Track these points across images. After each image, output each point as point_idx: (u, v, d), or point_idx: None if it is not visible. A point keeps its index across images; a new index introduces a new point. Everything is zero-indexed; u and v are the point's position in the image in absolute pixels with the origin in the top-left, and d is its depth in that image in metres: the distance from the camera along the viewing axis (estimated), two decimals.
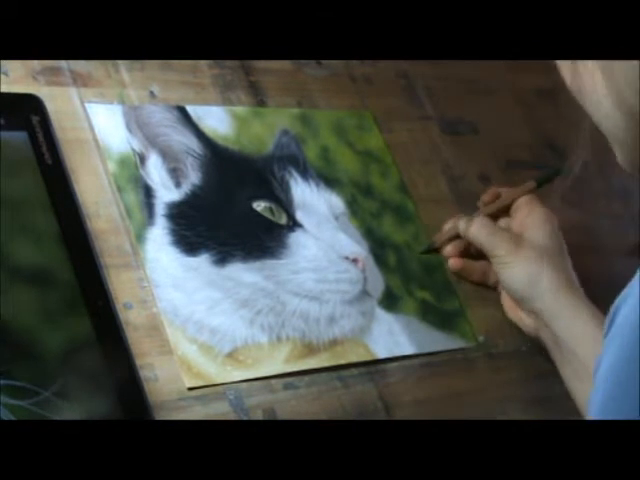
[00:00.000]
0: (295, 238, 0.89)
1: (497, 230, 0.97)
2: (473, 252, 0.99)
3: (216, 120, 0.93)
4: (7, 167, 0.78)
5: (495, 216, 0.99)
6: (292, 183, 0.93)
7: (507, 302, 0.98)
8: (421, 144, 1.06)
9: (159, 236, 0.84)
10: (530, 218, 0.97)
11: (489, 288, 0.99)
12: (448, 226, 1.00)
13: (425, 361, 0.92)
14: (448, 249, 0.99)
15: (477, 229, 0.96)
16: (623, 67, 0.65)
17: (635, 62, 0.64)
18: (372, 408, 0.86)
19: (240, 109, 0.96)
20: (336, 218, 0.94)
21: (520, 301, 0.95)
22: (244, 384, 0.81)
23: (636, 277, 0.63)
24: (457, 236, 0.99)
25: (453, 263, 0.98)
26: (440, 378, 0.92)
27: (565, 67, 0.70)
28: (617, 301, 0.64)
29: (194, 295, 0.83)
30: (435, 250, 0.99)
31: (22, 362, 0.71)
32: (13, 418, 0.68)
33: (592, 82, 0.67)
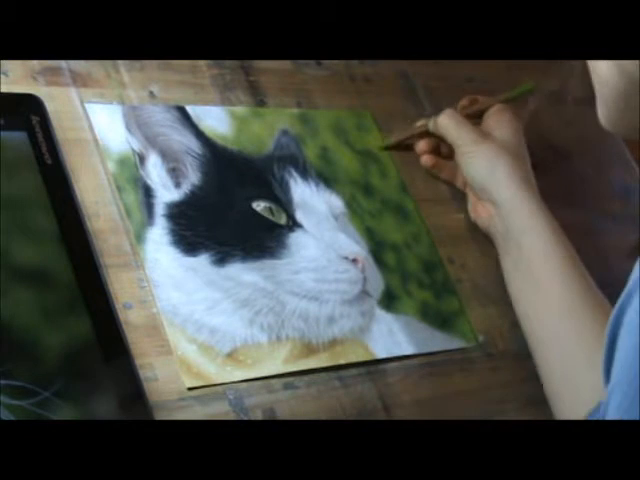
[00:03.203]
0: (295, 238, 0.89)
1: (463, 121, 1.00)
2: (443, 152, 1.03)
3: (216, 120, 0.93)
4: (7, 167, 0.78)
5: (468, 117, 1.02)
6: (292, 183, 0.93)
7: (471, 202, 1.01)
8: None
9: (159, 236, 0.84)
10: (499, 121, 1.01)
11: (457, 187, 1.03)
12: (418, 124, 1.03)
13: (425, 361, 0.92)
14: (420, 145, 1.03)
15: (444, 119, 1.00)
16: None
17: None
18: (371, 408, 0.86)
19: (240, 109, 0.96)
20: (336, 218, 0.94)
21: (479, 191, 0.99)
22: (244, 384, 0.81)
23: (636, 273, 0.63)
24: (426, 134, 1.02)
25: (426, 159, 1.02)
26: (440, 378, 0.92)
27: None
28: (620, 302, 0.64)
29: (194, 295, 0.83)
30: (400, 146, 1.03)
31: (22, 362, 0.71)
32: (13, 418, 0.68)
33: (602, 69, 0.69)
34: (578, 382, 0.87)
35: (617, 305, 0.64)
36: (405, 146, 1.03)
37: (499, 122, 1.01)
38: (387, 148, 1.02)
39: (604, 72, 0.68)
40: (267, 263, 0.87)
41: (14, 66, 0.84)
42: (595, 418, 0.73)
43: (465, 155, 0.99)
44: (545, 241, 0.94)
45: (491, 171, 0.97)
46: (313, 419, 0.82)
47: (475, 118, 1.03)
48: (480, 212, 1.00)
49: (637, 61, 0.66)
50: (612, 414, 0.61)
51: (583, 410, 0.79)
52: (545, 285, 0.93)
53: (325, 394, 0.85)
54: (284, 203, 0.91)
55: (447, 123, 1.00)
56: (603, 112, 0.71)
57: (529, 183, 0.98)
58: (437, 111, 1.06)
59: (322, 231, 0.91)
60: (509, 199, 0.96)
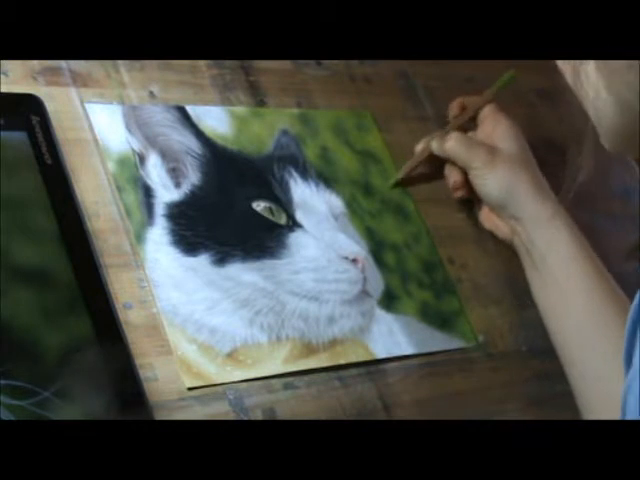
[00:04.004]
0: (295, 238, 0.89)
1: (472, 143, 1.00)
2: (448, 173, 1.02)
3: (216, 120, 0.93)
4: (7, 167, 0.78)
5: (464, 128, 1.02)
6: (292, 183, 0.93)
7: (483, 212, 1.01)
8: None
9: (159, 236, 0.84)
10: (498, 130, 1.01)
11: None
12: (418, 149, 1.02)
13: (425, 361, 0.92)
14: (454, 180, 1.01)
15: (453, 144, 1.00)
16: (619, 64, 0.66)
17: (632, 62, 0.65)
18: (371, 408, 0.86)
19: (240, 109, 0.96)
20: (336, 218, 0.94)
21: (499, 209, 0.99)
22: (244, 384, 0.81)
23: None
24: (432, 157, 1.01)
25: (460, 194, 1.01)
26: (440, 378, 0.92)
27: (563, 66, 0.72)
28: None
29: (194, 295, 0.83)
30: (411, 178, 1.02)
31: (22, 362, 0.71)
32: (13, 418, 0.68)
33: (584, 67, 0.69)
34: (611, 388, 0.86)
35: (637, 296, 0.64)
36: (417, 177, 1.02)
37: (498, 129, 1.00)
38: (397, 185, 1.01)
39: (605, 111, 0.69)
40: (267, 263, 0.87)
41: (14, 66, 0.84)
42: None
43: (479, 177, 0.99)
44: (570, 255, 0.95)
45: (509, 190, 0.97)
46: (313, 419, 0.82)
47: (470, 123, 1.03)
48: (500, 226, 1.00)
49: (634, 91, 0.66)
50: (632, 402, 0.61)
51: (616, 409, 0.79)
52: (572, 298, 0.93)
53: (325, 394, 0.85)
54: (284, 203, 0.91)
55: (456, 148, 0.99)
56: (604, 138, 0.72)
57: (547, 194, 0.98)
58: (437, 112, 1.07)
59: (322, 231, 0.91)
60: (532, 216, 0.97)
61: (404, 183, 1.01)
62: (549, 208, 0.97)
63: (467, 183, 1.01)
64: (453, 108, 1.04)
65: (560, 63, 0.72)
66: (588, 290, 0.93)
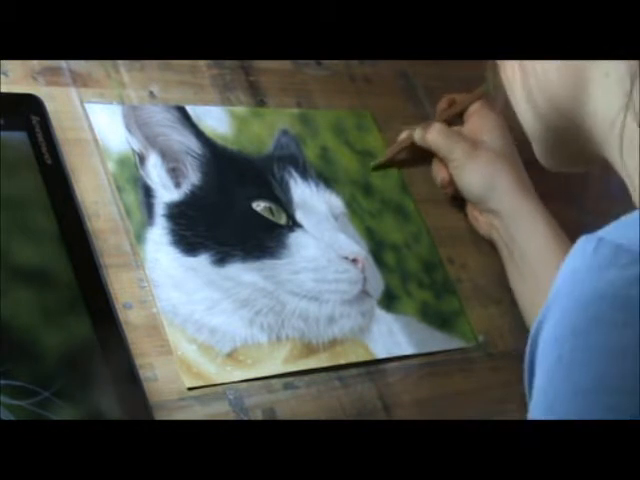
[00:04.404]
0: (295, 238, 0.89)
1: (453, 134, 1.00)
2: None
3: (216, 120, 0.93)
4: (7, 167, 0.78)
5: (449, 122, 1.02)
6: (292, 183, 0.93)
7: (468, 207, 1.01)
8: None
9: (159, 236, 0.84)
10: (483, 123, 1.00)
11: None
12: (402, 137, 1.02)
13: (425, 361, 0.92)
14: (441, 177, 1.01)
15: (434, 135, 0.99)
16: (535, 66, 0.67)
17: (545, 62, 0.67)
18: (371, 408, 0.86)
19: (240, 109, 0.96)
20: (336, 218, 0.94)
21: (477, 202, 0.99)
22: (244, 384, 0.81)
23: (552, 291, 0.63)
24: (413, 146, 1.01)
25: (448, 190, 1.01)
26: (440, 378, 0.92)
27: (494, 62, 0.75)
28: (537, 320, 0.63)
29: (194, 295, 0.83)
30: (392, 163, 1.02)
31: (22, 362, 0.71)
32: (13, 418, 0.68)
33: (513, 78, 0.72)
34: None
35: (534, 324, 0.64)
36: (398, 162, 1.02)
37: (484, 125, 1.00)
38: (376, 168, 1.01)
39: (526, 121, 0.72)
40: (267, 263, 0.87)
41: (14, 66, 0.84)
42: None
43: (458, 169, 0.98)
44: (549, 249, 0.94)
45: (488, 182, 0.97)
46: (313, 419, 0.82)
47: (457, 118, 1.03)
48: (480, 221, 1.00)
49: (548, 104, 0.68)
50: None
51: None
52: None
53: (325, 394, 0.85)
54: (284, 203, 0.91)
55: (436, 138, 0.99)
56: (537, 152, 0.75)
57: (526, 188, 0.98)
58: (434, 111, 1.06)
59: (322, 231, 0.91)
60: (510, 209, 0.97)
61: (384, 166, 1.01)
62: (528, 203, 0.96)
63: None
64: (442, 103, 1.04)
65: (503, 77, 0.73)
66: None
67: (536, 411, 0.61)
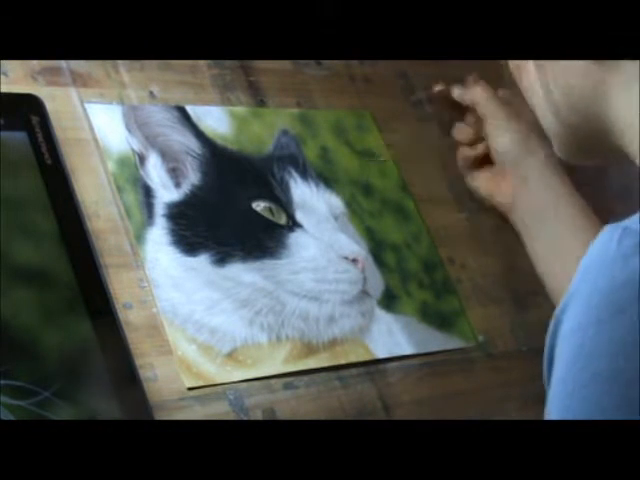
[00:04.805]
0: (295, 238, 0.89)
1: (497, 96, 1.00)
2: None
3: (216, 120, 0.93)
4: (7, 167, 0.78)
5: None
6: (292, 183, 0.93)
7: (483, 175, 1.01)
8: (421, 144, 1.06)
9: (159, 236, 0.84)
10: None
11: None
12: (437, 88, 1.03)
13: (425, 361, 0.92)
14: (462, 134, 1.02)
15: (479, 92, 1.00)
16: (555, 72, 0.68)
17: (562, 62, 0.67)
18: (371, 408, 0.86)
19: (240, 109, 0.96)
20: (336, 218, 0.94)
21: (509, 165, 0.99)
22: (244, 384, 0.81)
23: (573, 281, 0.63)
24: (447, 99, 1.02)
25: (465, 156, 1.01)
26: (440, 378, 0.92)
27: (512, 64, 0.76)
28: (558, 310, 0.63)
29: (194, 295, 0.83)
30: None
31: (22, 362, 0.71)
32: (13, 418, 0.68)
33: (531, 84, 0.73)
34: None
35: (555, 313, 0.64)
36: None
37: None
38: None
39: (545, 120, 0.73)
40: (267, 263, 0.87)
41: (14, 66, 0.84)
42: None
43: (500, 129, 0.99)
44: (575, 221, 0.94)
45: (526, 147, 0.98)
46: (313, 419, 0.82)
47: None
48: (502, 187, 0.99)
49: (569, 108, 0.70)
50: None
51: None
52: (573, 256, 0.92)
53: (325, 394, 0.85)
54: (284, 203, 0.91)
55: (481, 96, 0.99)
56: (555, 146, 0.76)
57: (559, 168, 0.98)
58: (437, 111, 1.06)
59: (322, 231, 0.91)
60: (540, 177, 0.97)
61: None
62: (555, 173, 0.97)
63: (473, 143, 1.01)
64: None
65: (514, 72, 0.74)
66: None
67: (555, 401, 0.61)
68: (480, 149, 1.01)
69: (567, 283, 0.89)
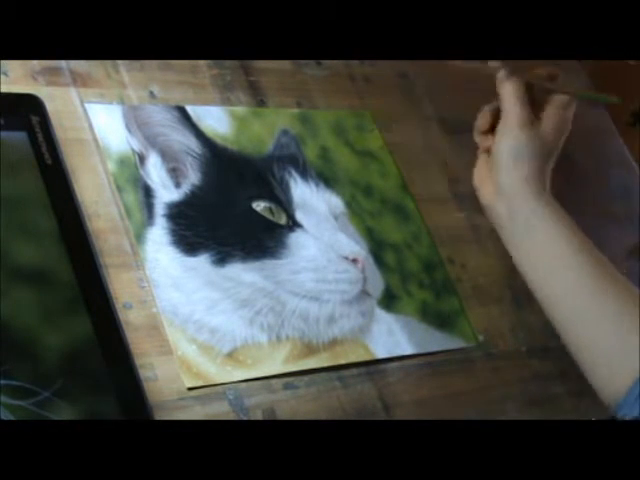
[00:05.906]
0: (295, 238, 0.89)
1: (523, 100, 0.94)
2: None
3: (216, 120, 0.93)
4: (7, 167, 0.78)
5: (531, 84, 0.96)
6: (292, 183, 0.93)
7: (481, 167, 0.97)
8: (421, 144, 1.06)
9: (159, 236, 0.84)
10: (556, 114, 0.95)
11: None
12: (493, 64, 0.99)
13: (425, 361, 0.92)
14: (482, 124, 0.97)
15: (509, 88, 0.93)
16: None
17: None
18: (371, 408, 0.86)
19: (240, 109, 0.96)
20: (336, 218, 0.94)
21: (501, 168, 0.94)
22: (244, 384, 0.81)
23: None
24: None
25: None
26: (440, 378, 0.92)
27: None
28: None
29: (194, 295, 0.83)
30: None
31: (22, 362, 0.71)
32: (13, 418, 0.68)
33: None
34: (611, 357, 0.85)
35: None
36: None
37: (556, 116, 0.95)
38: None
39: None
40: (267, 263, 0.87)
41: (14, 66, 0.84)
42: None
43: (508, 133, 0.94)
44: (558, 230, 0.94)
45: (521, 158, 0.93)
46: (313, 419, 0.82)
47: (539, 89, 0.96)
48: (486, 187, 0.96)
49: None
50: None
51: (623, 384, 0.78)
52: (565, 262, 0.91)
53: (325, 394, 0.85)
54: (284, 203, 0.91)
55: (509, 92, 0.93)
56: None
57: (541, 183, 0.95)
58: (437, 112, 1.07)
59: (322, 231, 0.91)
60: (522, 190, 0.95)
61: None
62: (550, 197, 0.93)
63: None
64: (541, 69, 0.94)
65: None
66: (580, 257, 0.91)
67: None
68: (489, 141, 0.99)
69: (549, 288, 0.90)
